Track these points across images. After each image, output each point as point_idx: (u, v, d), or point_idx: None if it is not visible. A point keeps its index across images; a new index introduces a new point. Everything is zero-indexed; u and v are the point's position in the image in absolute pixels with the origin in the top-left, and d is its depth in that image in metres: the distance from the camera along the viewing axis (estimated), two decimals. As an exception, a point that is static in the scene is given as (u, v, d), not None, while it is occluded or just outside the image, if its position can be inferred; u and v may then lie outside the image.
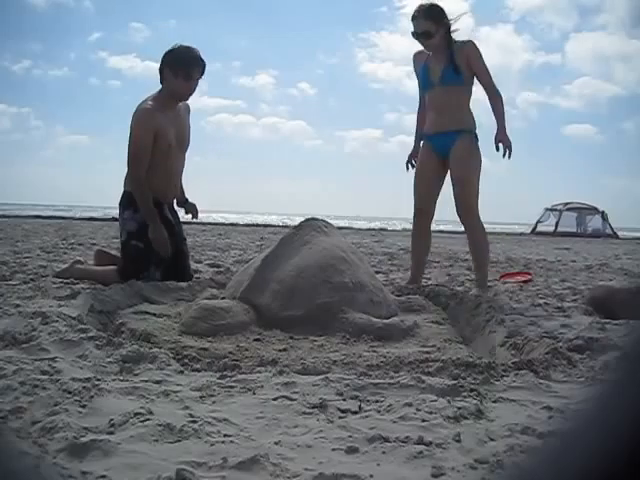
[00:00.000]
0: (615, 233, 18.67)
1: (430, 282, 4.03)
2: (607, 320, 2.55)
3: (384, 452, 1.16)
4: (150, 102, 3.46)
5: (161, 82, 3.52)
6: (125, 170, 3.51)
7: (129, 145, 3.41)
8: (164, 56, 3.52)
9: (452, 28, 3.53)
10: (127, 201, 3.51)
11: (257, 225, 17.75)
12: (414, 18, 3.50)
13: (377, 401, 1.46)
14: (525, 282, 4.28)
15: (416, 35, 3.53)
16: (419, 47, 3.65)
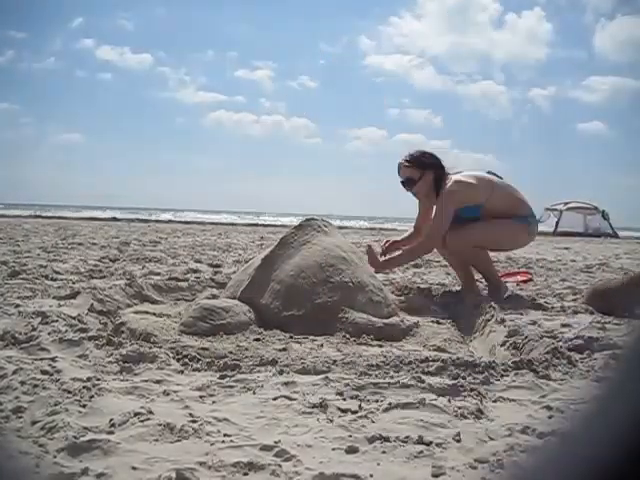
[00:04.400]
0: (615, 232, 18.66)
1: (430, 282, 4.03)
2: (607, 319, 2.56)
3: (384, 452, 1.16)
4: None
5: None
6: None
7: None
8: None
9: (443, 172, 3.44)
10: None
11: (257, 225, 17.78)
12: (399, 167, 3.50)
13: (377, 401, 1.46)
14: (525, 282, 4.28)
15: (401, 182, 3.54)
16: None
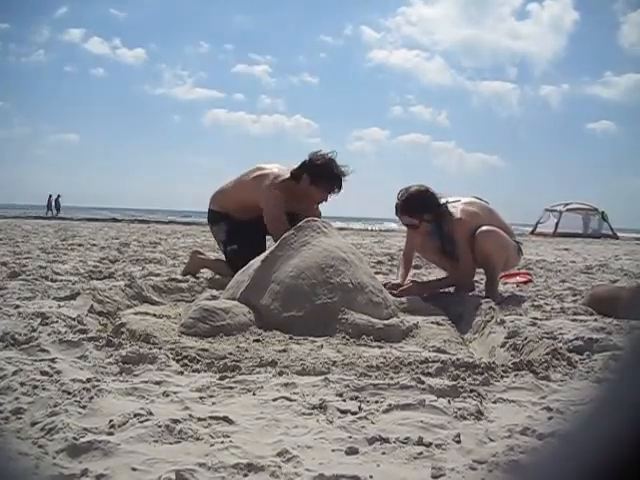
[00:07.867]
0: (615, 233, 18.66)
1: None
2: (606, 321, 2.55)
3: (384, 453, 1.16)
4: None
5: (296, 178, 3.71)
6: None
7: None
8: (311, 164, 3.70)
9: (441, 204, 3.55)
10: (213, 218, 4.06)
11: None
12: (397, 209, 3.57)
13: (377, 402, 1.46)
14: (525, 283, 4.28)
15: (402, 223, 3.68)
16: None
